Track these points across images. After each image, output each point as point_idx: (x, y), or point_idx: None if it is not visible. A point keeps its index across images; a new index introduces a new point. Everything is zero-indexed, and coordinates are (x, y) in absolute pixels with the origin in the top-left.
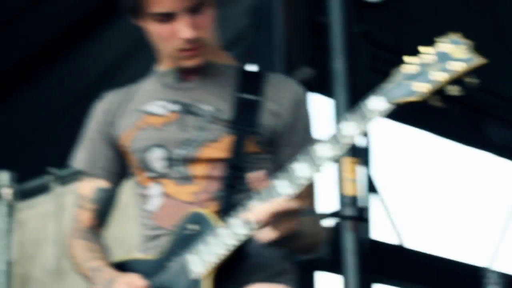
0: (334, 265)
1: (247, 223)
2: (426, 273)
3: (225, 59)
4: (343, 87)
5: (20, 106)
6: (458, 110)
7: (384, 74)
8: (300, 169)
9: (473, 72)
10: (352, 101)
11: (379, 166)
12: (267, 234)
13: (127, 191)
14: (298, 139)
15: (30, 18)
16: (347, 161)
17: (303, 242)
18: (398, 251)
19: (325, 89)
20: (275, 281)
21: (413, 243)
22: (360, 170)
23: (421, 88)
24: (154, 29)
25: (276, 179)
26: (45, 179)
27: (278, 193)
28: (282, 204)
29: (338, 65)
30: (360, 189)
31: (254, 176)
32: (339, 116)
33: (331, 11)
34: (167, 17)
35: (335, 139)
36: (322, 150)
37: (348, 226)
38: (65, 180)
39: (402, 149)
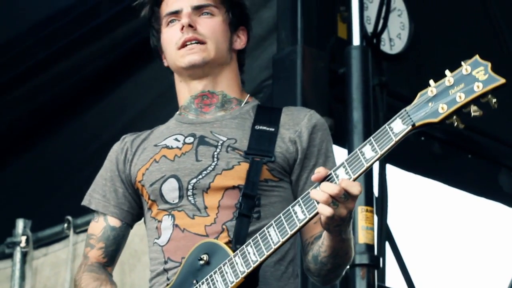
0: None
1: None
2: None
3: (242, 95)
4: (360, 137)
5: (38, 155)
6: (472, 161)
7: None
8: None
9: (494, 92)
10: None
11: (395, 216)
12: (329, 210)
13: (144, 239)
14: (315, 164)
15: (53, 69)
16: (363, 209)
17: (344, 243)
18: None
19: (342, 139)
20: None
21: None
22: (376, 219)
23: (444, 109)
24: (165, 35)
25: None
26: (60, 227)
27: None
28: (349, 184)
29: (356, 115)
30: (374, 237)
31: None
32: None
33: (350, 62)
34: (175, 17)
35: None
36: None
37: (361, 273)
38: (80, 229)
39: (417, 199)
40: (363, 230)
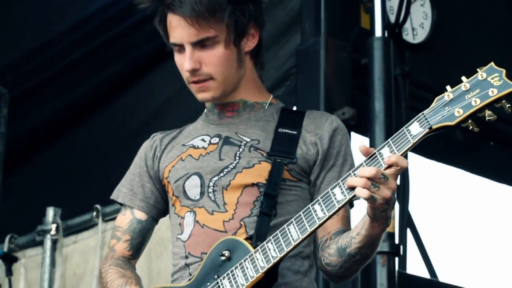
0: None
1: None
2: None
3: (263, 97)
4: (382, 127)
5: (68, 144)
6: (494, 148)
7: None
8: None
9: (508, 97)
10: None
11: (417, 203)
12: (365, 192)
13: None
14: (334, 164)
15: (82, 62)
16: None
17: (382, 232)
18: (433, 285)
19: (365, 128)
20: None
21: (447, 278)
22: (397, 207)
23: (460, 113)
24: (175, 58)
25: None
26: (89, 215)
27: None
28: (397, 159)
29: (378, 105)
30: (396, 225)
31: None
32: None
33: (372, 53)
34: (180, 48)
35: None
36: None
37: (381, 261)
38: (108, 217)
39: (439, 186)
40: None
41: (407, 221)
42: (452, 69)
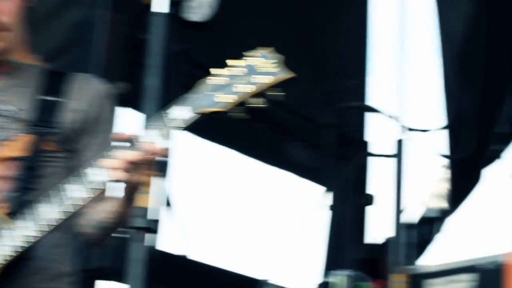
0: (118, 275)
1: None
2: (208, 285)
3: (31, 59)
4: (153, 103)
5: None
6: (263, 129)
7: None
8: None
9: (280, 85)
10: None
11: (177, 179)
12: (122, 175)
13: None
14: (98, 130)
15: None
16: None
17: (127, 207)
18: (182, 262)
19: (140, 104)
20: (49, 286)
21: (202, 255)
22: (156, 182)
23: (225, 99)
24: None
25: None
26: None
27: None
28: (153, 149)
29: (151, 81)
30: (152, 201)
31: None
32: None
33: (151, 28)
34: None
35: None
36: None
37: (137, 237)
38: None
39: (199, 163)
40: (141, 194)
41: (164, 198)
42: (231, 49)
